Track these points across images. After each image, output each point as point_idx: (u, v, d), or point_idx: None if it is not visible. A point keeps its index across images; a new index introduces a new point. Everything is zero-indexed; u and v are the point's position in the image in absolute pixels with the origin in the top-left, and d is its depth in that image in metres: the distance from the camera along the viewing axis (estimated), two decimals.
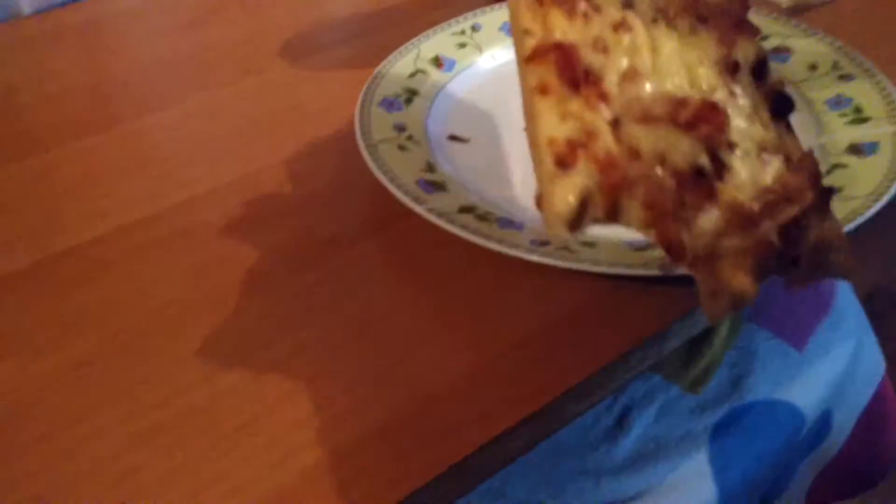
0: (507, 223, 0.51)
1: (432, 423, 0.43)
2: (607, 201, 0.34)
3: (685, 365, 0.79)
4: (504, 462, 0.45)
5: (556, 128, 0.35)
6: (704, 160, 0.35)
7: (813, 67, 0.65)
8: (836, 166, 0.55)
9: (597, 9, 0.39)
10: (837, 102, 0.61)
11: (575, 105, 0.36)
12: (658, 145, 0.35)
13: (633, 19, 0.39)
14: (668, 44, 0.39)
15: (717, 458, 0.75)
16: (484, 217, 0.52)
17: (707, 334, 0.79)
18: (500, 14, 0.74)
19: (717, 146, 0.35)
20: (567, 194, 0.33)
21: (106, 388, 0.46)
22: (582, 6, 0.39)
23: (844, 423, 0.89)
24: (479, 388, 0.45)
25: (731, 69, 0.38)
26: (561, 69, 0.37)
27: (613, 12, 0.39)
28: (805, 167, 0.35)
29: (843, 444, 0.91)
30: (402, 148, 0.58)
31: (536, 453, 0.69)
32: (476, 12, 0.74)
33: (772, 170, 0.35)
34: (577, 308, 0.49)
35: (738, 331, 0.82)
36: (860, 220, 0.49)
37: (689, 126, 0.35)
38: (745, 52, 0.39)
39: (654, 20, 0.39)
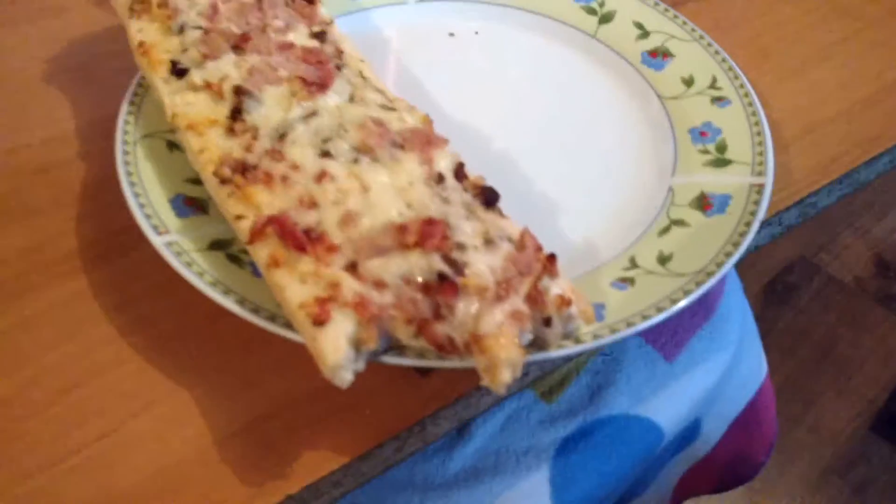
0: None
1: None
2: (374, 333, 0.36)
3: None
4: None
5: (300, 293, 0.37)
6: (442, 266, 0.37)
7: (688, 82, 0.55)
8: (675, 223, 0.47)
9: (294, 167, 0.41)
10: (703, 133, 0.51)
11: (308, 265, 0.38)
12: (398, 270, 0.37)
13: (333, 167, 0.41)
14: (377, 177, 0.41)
15: (558, 476, 0.68)
16: (237, 258, 0.43)
17: None
18: None
19: (448, 251, 0.38)
20: (334, 344, 0.35)
21: None
22: (279, 171, 0.41)
23: (715, 429, 0.83)
24: (208, 468, 0.39)
25: (437, 180, 0.41)
26: (282, 239, 0.38)
27: (311, 166, 0.41)
28: (526, 243, 0.39)
29: (714, 445, 0.86)
30: (172, 147, 0.48)
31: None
32: None
33: (501, 252, 0.38)
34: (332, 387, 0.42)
35: None
36: (674, 309, 0.41)
37: (418, 244, 0.38)
38: (444, 162, 0.42)
39: (356, 160, 0.42)
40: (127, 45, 0.50)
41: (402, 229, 0.38)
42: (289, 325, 0.39)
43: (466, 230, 0.38)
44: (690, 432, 0.80)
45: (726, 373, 0.78)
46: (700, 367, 0.76)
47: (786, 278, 1.51)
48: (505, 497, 0.65)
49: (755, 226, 0.45)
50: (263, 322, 0.39)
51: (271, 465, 0.39)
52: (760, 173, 0.48)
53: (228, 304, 0.40)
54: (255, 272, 0.42)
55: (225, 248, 0.43)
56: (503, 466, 0.66)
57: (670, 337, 0.77)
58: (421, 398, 0.42)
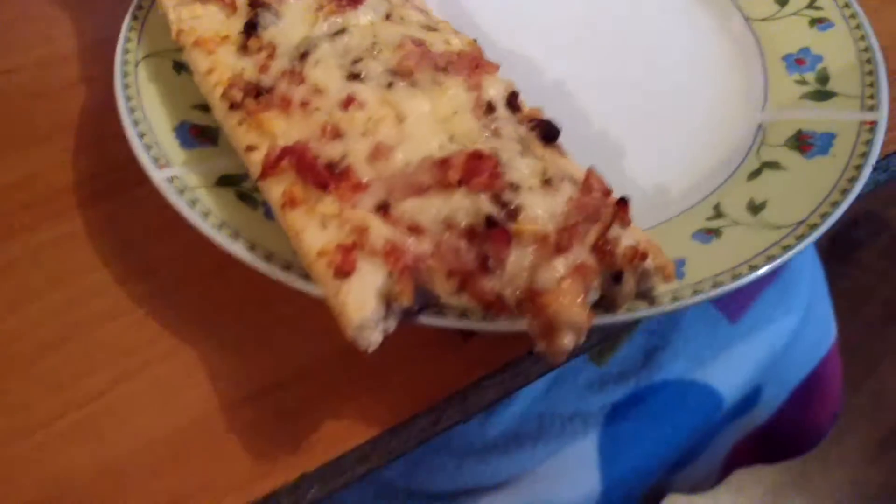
0: None
1: None
2: (408, 287, 0.31)
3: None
4: None
5: (320, 238, 0.32)
6: (491, 208, 0.31)
7: (782, 1, 0.47)
8: (768, 165, 0.39)
9: (317, 91, 0.35)
10: (799, 61, 0.44)
11: (330, 206, 0.32)
12: (438, 212, 0.32)
13: (362, 92, 0.35)
14: (415, 105, 0.35)
15: (607, 444, 0.62)
16: (249, 197, 0.37)
17: None
18: None
19: (499, 191, 0.32)
20: (359, 300, 0.30)
21: None
22: (298, 95, 0.35)
23: (776, 396, 0.77)
24: (213, 438, 0.34)
25: (487, 110, 0.35)
26: (300, 174, 0.33)
27: (337, 90, 0.35)
28: (592, 185, 0.33)
29: (773, 413, 0.79)
30: (179, 68, 0.42)
31: None
32: None
33: (563, 195, 0.32)
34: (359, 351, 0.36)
35: None
36: (769, 267, 0.34)
37: (463, 182, 0.32)
38: (495, 89, 0.36)
39: (391, 84, 0.35)
40: None
41: (443, 164, 0.32)
42: (307, 276, 0.33)
43: (521, 168, 0.32)
44: (750, 399, 0.74)
45: (793, 337, 0.72)
46: (766, 329, 0.69)
47: (851, 233, 1.41)
48: (548, 464, 0.60)
49: (867, 170, 0.37)
50: (277, 272, 0.34)
51: (286, 437, 0.34)
52: (872, 108, 0.40)
53: (237, 249, 0.34)
54: (270, 214, 0.36)
55: (235, 184, 0.38)
56: (547, 432, 0.61)
57: (735, 296, 0.70)
58: (462, 364, 0.36)
